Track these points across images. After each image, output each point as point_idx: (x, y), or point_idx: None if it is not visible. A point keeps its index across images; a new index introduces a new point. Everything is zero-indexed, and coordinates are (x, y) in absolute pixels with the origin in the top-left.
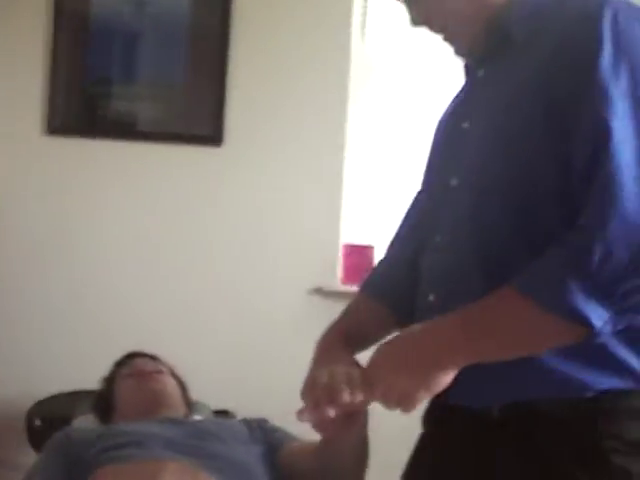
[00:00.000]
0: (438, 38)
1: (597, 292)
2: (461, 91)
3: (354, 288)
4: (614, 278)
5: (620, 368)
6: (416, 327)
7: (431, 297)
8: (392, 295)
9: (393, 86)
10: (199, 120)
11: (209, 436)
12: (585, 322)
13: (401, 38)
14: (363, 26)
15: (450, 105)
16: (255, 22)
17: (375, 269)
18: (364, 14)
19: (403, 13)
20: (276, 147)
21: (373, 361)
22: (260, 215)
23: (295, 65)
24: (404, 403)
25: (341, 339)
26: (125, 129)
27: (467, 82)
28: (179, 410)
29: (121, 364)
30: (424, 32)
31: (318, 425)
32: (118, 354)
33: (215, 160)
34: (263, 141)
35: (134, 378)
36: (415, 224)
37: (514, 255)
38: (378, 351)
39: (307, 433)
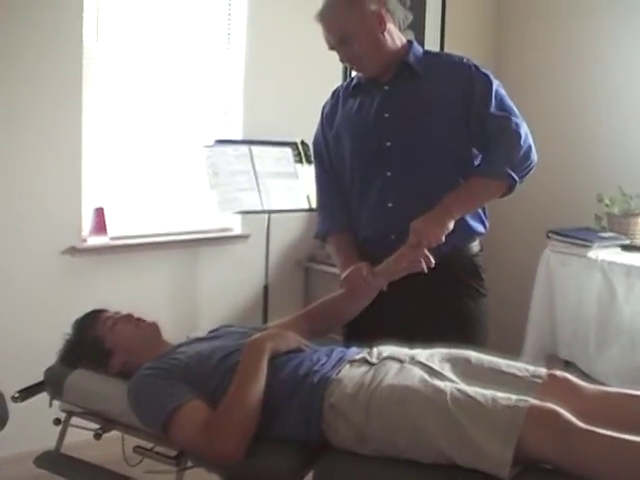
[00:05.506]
0: None
1: (518, 170)
2: (358, 96)
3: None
4: (520, 164)
5: (482, 221)
6: (436, 207)
7: (390, 204)
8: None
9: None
10: None
11: (227, 334)
12: (515, 182)
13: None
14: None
15: (346, 105)
16: None
17: (327, 217)
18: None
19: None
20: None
21: (416, 226)
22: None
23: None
24: (438, 241)
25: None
26: None
27: (368, 91)
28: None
29: (93, 318)
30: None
31: (357, 287)
32: None
33: None
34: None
35: (130, 322)
36: (334, 182)
37: (446, 169)
38: (416, 222)
39: None
